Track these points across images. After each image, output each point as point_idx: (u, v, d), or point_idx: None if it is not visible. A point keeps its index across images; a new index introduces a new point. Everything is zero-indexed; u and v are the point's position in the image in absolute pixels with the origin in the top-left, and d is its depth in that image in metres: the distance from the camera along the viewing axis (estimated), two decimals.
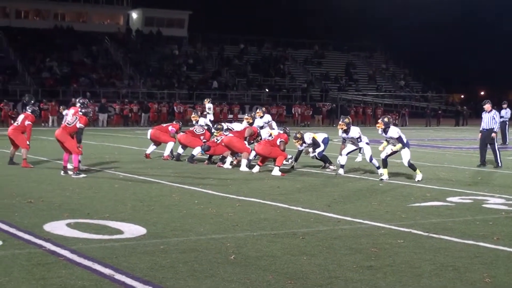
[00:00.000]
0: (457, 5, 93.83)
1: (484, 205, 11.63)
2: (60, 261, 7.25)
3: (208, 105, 22.25)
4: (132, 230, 8.97)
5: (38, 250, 7.78)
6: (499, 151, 18.94)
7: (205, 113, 21.34)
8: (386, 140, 15.43)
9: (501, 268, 7.21)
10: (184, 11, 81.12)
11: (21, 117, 17.61)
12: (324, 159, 17.31)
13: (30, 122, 17.27)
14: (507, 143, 28.84)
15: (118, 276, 6.66)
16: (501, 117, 29.04)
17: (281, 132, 17.54)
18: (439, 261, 7.47)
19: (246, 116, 19.29)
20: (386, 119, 15.53)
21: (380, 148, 15.52)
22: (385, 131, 15.27)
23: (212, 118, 21.61)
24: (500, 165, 18.41)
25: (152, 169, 16.94)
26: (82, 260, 7.27)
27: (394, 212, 10.78)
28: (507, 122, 29.66)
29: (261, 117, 19.45)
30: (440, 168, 18.31)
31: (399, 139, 15.16)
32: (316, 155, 17.43)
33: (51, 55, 65.72)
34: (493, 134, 18.86)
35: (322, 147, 17.20)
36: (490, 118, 19.00)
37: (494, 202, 12.02)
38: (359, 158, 18.08)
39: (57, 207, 10.77)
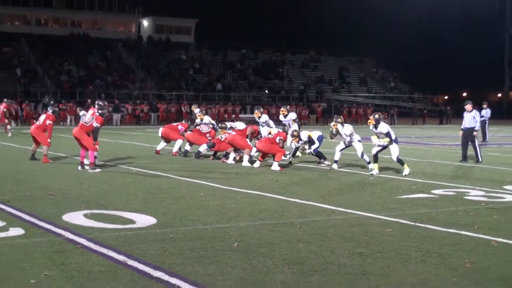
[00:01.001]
0: (441, 12, 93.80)
1: (465, 197, 11.63)
2: (77, 249, 7.26)
3: (197, 109, 22.21)
4: (143, 220, 8.99)
5: (57, 238, 7.79)
6: (479, 147, 18.94)
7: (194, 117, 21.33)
8: (376, 135, 15.46)
9: (480, 255, 7.22)
10: (191, 19, 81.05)
11: (42, 117, 17.62)
12: (319, 155, 17.33)
13: (51, 122, 17.29)
14: (487, 140, 28.86)
15: (131, 262, 6.67)
16: (481, 116, 29.16)
17: (280, 130, 17.59)
18: (424, 248, 7.47)
19: (256, 112, 19.67)
20: (376, 116, 15.56)
21: (373, 142, 15.55)
22: (375, 126, 15.31)
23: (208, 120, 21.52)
24: (480, 160, 18.41)
25: (161, 164, 16.96)
26: (98, 248, 7.28)
27: (383, 203, 10.79)
28: (487, 121, 29.74)
29: (259, 117, 19.46)
30: (425, 163, 18.32)
31: (387, 135, 15.19)
32: (312, 151, 17.45)
33: (69, 59, 65.65)
34: (475, 132, 18.86)
35: (317, 144, 17.24)
36: (471, 118, 19.00)
37: (475, 194, 12.02)
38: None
39: (74, 199, 10.79)
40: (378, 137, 15.44)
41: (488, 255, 7.23)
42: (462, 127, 19.24)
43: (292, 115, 19.86)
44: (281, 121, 20.21)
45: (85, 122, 15.65)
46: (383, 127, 15.33)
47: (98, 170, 15.07)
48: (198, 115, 21.31)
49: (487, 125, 29.69)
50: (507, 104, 76.67)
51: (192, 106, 25.63)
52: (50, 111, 17.61)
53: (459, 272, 6.51)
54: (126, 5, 79.07)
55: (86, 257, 6.90)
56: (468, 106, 19.22)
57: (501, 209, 10.35)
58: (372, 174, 15.14)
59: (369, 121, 15.85)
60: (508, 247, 7.63)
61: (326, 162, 17.06)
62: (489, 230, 8.55)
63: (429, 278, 6.28)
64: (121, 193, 11.68)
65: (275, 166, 15.99)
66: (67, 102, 48.58)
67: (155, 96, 59.61)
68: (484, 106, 30.70)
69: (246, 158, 16.94)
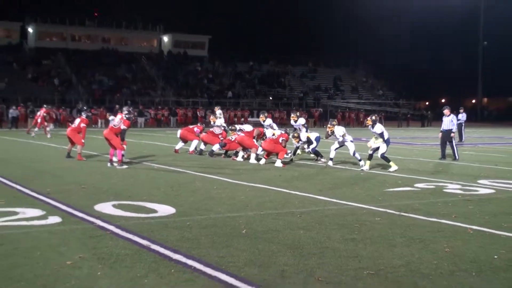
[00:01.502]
0: (423, 27, 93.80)
1: (444, 190, 11.60)
2: (107, 234, 7.28)
3: (218, 111, 22.27)
4: (164, 209, 9.00)
5: (90, 225, 7.81)
6: (456, 147, 18.90)
7: (216, 117, 21.36)
8: (374, 137, 15.52)
9: (458, 240, 7.20)
10: (205, 35, 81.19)
11: (77, 120, 17.66)
12: (317, 153, 17.30)
13: (84, 125, 17.34)
14: (463, 140, 28.78)
15: (154, 246, 6.68)
16: (458, 120, 29.11)
17: (283, 132, 17.58)
18: (409, 235, 7.46)
19: (261, 116, 19.70)
20: (374, 117, 15.66)
21: (368, 145, 15.59)
22: (372, 126, 15.34)
23: (223, 121, 21.53)
24: (457, 158, 18.36)
25: (180, 161, 16.96)
26: (125, 234, 7.30)
27: (373, 195, 10.77)
28: (463, 124, 29.73)
29: (264, 121, 19.44)
30: (409, 160, 18.28)
31: (381, 135, 15.20)
32: (310, 150, 17.44)
33: (99, 71, 65.83)
34: (452, 134, 18.82)
35: (314, 143, 17.25)
36: (449, 121, 18.97)
37: (453, 187, 11.99)
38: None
39: (104, 192, 10.81)
40: (376, 138, 15.47)
41: (464, 241, 7.21)
42: (441, 129, 19.19)
43: (301, 121, 19.88)
44: (292, 125, 20.20)
45: (114, 125, 15.67)
46: (378, 127, 15.36)
47: (125, 166, 15.09)
48: (218, 117, 21.42)
49: (463, 127, 29.70)
50: (480, 109, 76.39)
51: (215, 108, 25.59)
52: (84, 116, 17.65)
53: (439, 255, 6.50)
54: (149, 23, 79.50)
55: (114, 242, 6.91)
56: (446, 111, 19.18)
57: (475, 201, 10.33)
58: (362, 170, 15.13)
59: (367, 121, 15.99)
60: (482, 234, 7.61)
61: (322, 160, 17.04)
62: (465, 219, 8.53)
63: (413, 260, 6.27)
64: (144, 186, 11.70)
65: (278, 163, 15.98)
66: (98, 108, 48.71)
67: (174, 102, 59.73)
68: (461, 110, 30.65)
69: (253, 156, 16.95)
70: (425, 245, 6.95)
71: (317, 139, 17.44)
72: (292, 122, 19.97)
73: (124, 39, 78.25)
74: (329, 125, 16.46)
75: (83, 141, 17.12)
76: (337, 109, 63.44)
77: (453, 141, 18.83)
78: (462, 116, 29.83)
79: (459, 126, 29.42)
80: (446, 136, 18.84)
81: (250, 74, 75.58)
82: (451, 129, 18.85)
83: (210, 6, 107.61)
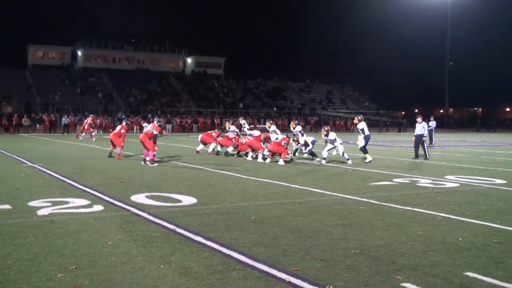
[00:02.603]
0: (399, 48, 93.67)
1: (417, 184, 11.54)
2: (141, 220, 7.28)
3: (242, 121, 22.31)
4: (187, 200, 8.99)
5: (127, 212, 7.82)
6: (427, 148, 18.79)
7: (242, 127, 21.29)
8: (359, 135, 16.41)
9: (429, 225, 7.16)
10: (221, 57, 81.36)
11: (118, 127, 17.70)
12: (312, 154, 17.26)
13: (124, 131, 17.38)
14: (433, 143, 28.65)
15: (179, 230, 6.68)
16: (429, 126, 29.14)
17: (285, 136, 17.55)
18: (388, 221, 7.42)
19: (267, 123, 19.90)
20: (359, 117, 17.03)
21: (358, 140, 16.19)
22: (326, 135, 16.33)
23: (235, 128, 21.45)
24: (428, 157, 18.27)
25: (200, 160, 16.95)
26: (155, 219, 7.30)
27: (358, 188, 10.73)
28: (433, 130, 29.62)
29: (269, 127, 19.50)
30: (388, 159, 18.21)
31: (362, 131, 15.76)
32: (307, 151, 17.40)
33: (135, 86, 66.04)
34: (424, 138, 18.72)
35: (310, 146, 17.20)
36: (421, 127, 18.89)
37: (424, 182, 11.93)
38: (334, 152, 18.02)
39: (139, 185, 10.82)
40: (360, 135, 15.96)
41: (434, 226, 7.17)
42: (414, 134, 19.10)
43: (298, 128, 19.88)
44: (291, 131, 20.20)
45: (148, 130, 15.73)
46: (361, 125, 16.25)
47: (155, 164, 15.11)
48: (243, 126, 21.41)
49: (433, 132, 29.56)
50: (447, 117, 76.03)
51: (239, 119, 25.28)
52: (124, 123, 17.69)
53: (413, 237, 6.46)
54: (176, 48, 79.76)
55: (147, 226, 6.91)
56: (419, 119, 19.10)
57: (443, 193, 10.27)
58: (366, 161, 15.42)
59: (355, 120, 16.62)
60: (449, 220, 7.56)
61: (317, 159, 16.99)
62: (435, 208, 8.48)
63: (391, 242, 6.24)
64: (171, 180, 11.70)
65: (281, 162, 15.95)
66: (134, 116, 48.82)
67: (195, 112, 59.79)
68: (431, 118, 30.54)
69: (260, 156, 16.92)
70: (402, 229, 6.91)
71: (313, 142, 17.39)
72: (291, 128, 19.94)
73: (155, 61, 78.47)
74: (322, 130, 16.63)
75: (122, 144, 17.15)
76: (329, 117, 63.31)
77: (425, 144, 18.73)
78: (432, 123, 29.69)
79: (430, 131, 29.30)
80: (419, 140, 18.75)
81: (257, 89, 75.60)
82: (423, 134, 18.75)
83: (226, 33, 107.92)
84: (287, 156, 16.76)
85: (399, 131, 55.67)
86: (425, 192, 10.30)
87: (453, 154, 21.40)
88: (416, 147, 18.82)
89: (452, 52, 72.63)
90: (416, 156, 18.60)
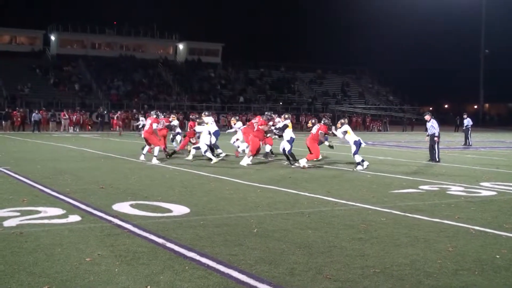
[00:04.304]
0: (427, 36, 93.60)
1: (447, 192, 11.53)
2: (125, 233, 7.29)
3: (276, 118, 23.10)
4: (179, 209, 9.00)
5: (108, 224, 7.83)
6: (438, 150, 18.87)
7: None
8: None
9: (460, 240, 7.15)
10: (218, 43, 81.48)
11: (148, 121, 17.80)
12: (290, 157, 16.66)
13: (157, 124, 17.75)
14: (470, 144, 28.64)
15: (169, 245, 6.68)
16: (465, 125, 29.30)
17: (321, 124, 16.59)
18: (413, 234, 7.42)
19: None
20: (342, 120, 16.77)
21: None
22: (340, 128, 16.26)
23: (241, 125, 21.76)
24: (438, 160, 18.37)
25: (194, 163, 16.95)
26: (141, 232, 7.30)
27: (378, 197, 10.73)
28: (470, 128, 29.60)
29: (235, 124, 20.53)
30: (413, 163, 18.20)
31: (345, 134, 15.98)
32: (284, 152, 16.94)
33: (118, 76, 66.19)
34: (435, 138, 18.80)
35: (354, 148, 16.24)
36: (429, 126, 19.07)
37: (456, 189, 11.92)
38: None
39: (122, 192, 10.84)
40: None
41: (467, 240, 7.16)
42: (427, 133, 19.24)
43: (239, 124, 20.30)
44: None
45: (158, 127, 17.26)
46: (343, 128, 16.08)
47: (157, 162, 16.29)
48: (232, 121, 22.15)
49: (469, 132, 29.52)
50: (482, 114, 76.08)
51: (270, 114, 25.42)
52: (154, 115, 18.13)
53: (442, 254, 6.45)
54: (165, 32, 79.96)
55: (131, 240, 6.92)
56: (427, 117, 19.37)
57: (478, 202, 10.26)
58: (367, 170, 15.06)
59: (338, 124, 16.54)
60: (483, 234, 7.55)
61: (292, 163, 16.47)
62: (467, 220, 8.48)
63: (417, 259, 6.23)
64: (160, 187, 11.71)
65: (303, 162, 15.80)
66: (115, 112, 48.88)
67: (188, 107, 59.84)
68: (465, 116, 30.61)
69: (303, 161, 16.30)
70: (429, 244, 6.91)
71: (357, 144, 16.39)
72: (232, 124, 20.79)
73: (141, 47, 78.69)
74: (338, 124, 16.53)
75: (159, 140, 17.67)
76: (344, 113, 63.33)
77: (436, 145, 18.74)
78: (468, 121, 29.73)
79: (466, 130, 29.37)
80: (430, 140, 18.89)
81: (261, 80, 75.67)
82: (434, 133, 18.82)
83: (224, 15, 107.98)
84: (313, 160, 16.39)
85: (426, 130, 55.55)
86: (456, 202, 10.28)
87: (489, 157, 21.39)
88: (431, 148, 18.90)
89: (488, 38, 72.67)
90: (432, 158, 18.62)
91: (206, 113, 18.51)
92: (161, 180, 12.89)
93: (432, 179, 13.82)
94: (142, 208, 9.04)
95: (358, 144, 16.02)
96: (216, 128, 18.23)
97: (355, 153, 15.94)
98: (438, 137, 18.98)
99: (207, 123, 17.36)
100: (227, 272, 5.64)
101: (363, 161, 15.82)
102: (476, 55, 73.97)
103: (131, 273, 5.56)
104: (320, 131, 16.09)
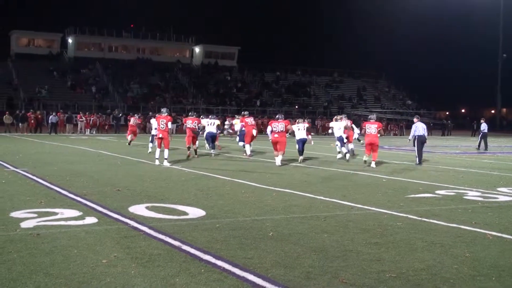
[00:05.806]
0: (443, 41, 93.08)
1: (464, 197, 11.45)
2: (140, 235, 7.32)
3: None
4: (194, 212, 9.02)
5: (124, 226, 7.86)
6: (421, 153, 19.08)
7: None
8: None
9: (478, 246, 7.10)
10: (234, 47, 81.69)
11: (163, 120, 17.72)
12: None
13: (171, 123, 18.31)
14: (487, 149, 28.43)
15: (184, 247, 6.70)
16: (482, 130, 29.12)
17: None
18: (429, 240, 7.38)
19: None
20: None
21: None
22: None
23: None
24: (418, 163, 18.58)
25: (209, 166, 16.98)
26: (157, 234, 7.33)
27: (394, 201, 10.68)
28: (486, 134, 29.41)
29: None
30: (430, 167, 18.08)
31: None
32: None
33: (134, 79, 66.50)
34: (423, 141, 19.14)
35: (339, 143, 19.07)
36: (418, 128, 19.15)
37: (472, 194, 11.83)
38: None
39: (138, 194, 10.88)
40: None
41: (484, 246, 7.11)
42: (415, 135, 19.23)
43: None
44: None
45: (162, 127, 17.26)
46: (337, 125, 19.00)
47: (168, 164, 16.55)
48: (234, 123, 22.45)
49: (486, 137, 29.34)
50: (499, 118, 75.43)
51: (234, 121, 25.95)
52: (165, 113, 18.27)
53: (459, 260, 6.41)
54: (182, 35, 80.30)
55: (147, 242, 6.94)
56: (415, 119, 19.54)
57: (495, 208, 10.17)
58: (384, 175, 15.06)
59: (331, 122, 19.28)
60: (501, 240, 7.49)
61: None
62: (485, 225, 8.41)
63: (434, 264, 6.20)
64: (176, 189, 11.75)
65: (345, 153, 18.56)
66: (132, 114, 49.11)
67: (204, 110, 59.98)
68: (482, 121, 30.37)
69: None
70: (446, 249, 6.87)
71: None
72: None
73: (158, 50, 79.09)
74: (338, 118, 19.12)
75: (170, 139, 17.59)
76: (360, 118, 63.13)
77: (418, 147, 18.92)
78: (484, 126, 29.49)
79: (483, 136, 29.16)
80: (422, 141, 19.05)
81: (277, 84, 75.69)
82: (424, 134, 19.08)
83: (240, 18, 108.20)
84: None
85: (443, 134, 55.23)
86: (473, 207, 10.20)
87: (506, 163, 21.19)
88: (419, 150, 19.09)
89: (506, 42, 72.00)
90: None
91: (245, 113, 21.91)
92: (177, 182, 12.93)
93: (449, 183, 13.73)
94: (158, 210, 9.08)
95: (341, 140, 19.12)
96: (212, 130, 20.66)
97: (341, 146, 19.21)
98: (412, 140, 19.31)
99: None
100: (242, 275, 5.64)
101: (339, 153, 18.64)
102: (494, 59, 73.37)
103: (147, 275, 5.58)
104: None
